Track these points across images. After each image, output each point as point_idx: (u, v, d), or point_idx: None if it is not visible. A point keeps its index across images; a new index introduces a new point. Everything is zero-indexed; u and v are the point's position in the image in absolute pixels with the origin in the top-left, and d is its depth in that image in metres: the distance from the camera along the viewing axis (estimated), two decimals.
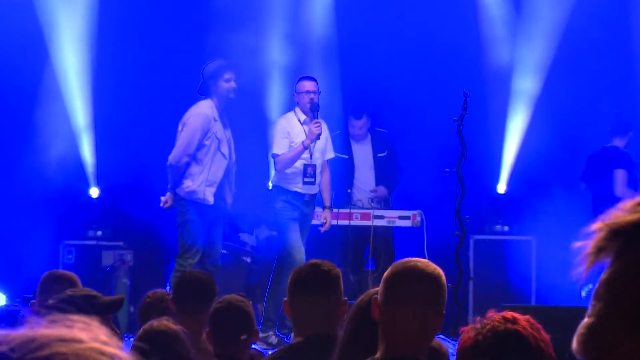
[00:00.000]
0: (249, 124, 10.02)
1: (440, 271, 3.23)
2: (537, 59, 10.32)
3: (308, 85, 8.70)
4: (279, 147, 8.65)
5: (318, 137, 8.55)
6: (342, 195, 9.47)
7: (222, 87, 8.43)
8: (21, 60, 10.24)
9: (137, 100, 10.08)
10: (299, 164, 8.62)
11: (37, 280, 5.45)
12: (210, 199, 8.37)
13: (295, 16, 10.62)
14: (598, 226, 1.39)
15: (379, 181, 9.55)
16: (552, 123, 10.25)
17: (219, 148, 8.40)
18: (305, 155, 8.60)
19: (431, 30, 10.18)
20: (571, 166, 10.18)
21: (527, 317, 2.70)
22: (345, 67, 10.28)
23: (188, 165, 8.36)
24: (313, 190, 8.67)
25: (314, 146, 8.59)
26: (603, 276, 1.35)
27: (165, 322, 3.70)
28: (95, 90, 10.31)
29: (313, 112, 8.60)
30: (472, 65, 10.12)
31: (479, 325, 2.65)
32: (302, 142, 8.53)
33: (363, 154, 9.63)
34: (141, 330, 3.73)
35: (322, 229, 8.81)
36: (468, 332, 2.66)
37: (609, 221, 1.39)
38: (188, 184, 8.37)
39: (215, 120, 8.40)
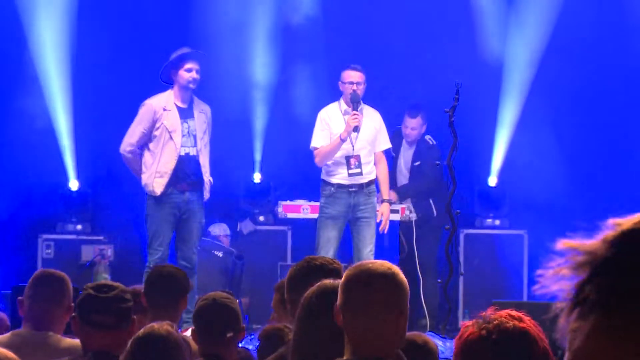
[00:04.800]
0: (235, 115, 9.90)
1: (396, 269, 3.04)
2: (529, 50, 10.24)
3: (352, 75, 8.51)
4: (317, 140, 8.49)
5: (356, 129, 8.35)
6: None
7: (182, 76, 8.39)
8: None
9: (118, 92, 9.95)
10: (340, 155, 8.44)
11: (14, 276, 5.25)
12: (158, 190, 8.29)
13: (280, 5, 10.45)
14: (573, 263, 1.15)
15: (408, 189, 9.27)
16: (544, 115, 10.14)
17: (171, 138, 8.31)
18: (347, 146, 8.43)
19: (423, 20, 10.07)
20: (563, 158, 10.07)
21: (529, 317, 2.62)
22: (333, 59, 10.09)
23: (142, 157, 8.39)
24: (361, 180, 8.46)
25: (356, 137, 8.40)
26: (576, 343, 1.16)
27: (166, 327, 3.51)
28: (75, 81, 10.16)
29: (353, 103, 8.41)
30: (464, 55, 9.99)
31: (482, 320, 2.56)
32: (340, 134, 8.36)
33: (405, 159, 9.40)
34: (142, 330, 3.57)
35: (380, 228, 8.53)
36: (471, 326, 2.56)
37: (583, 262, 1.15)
38: (143, 177, 8.39)
39: (166, 110, 8.33)
